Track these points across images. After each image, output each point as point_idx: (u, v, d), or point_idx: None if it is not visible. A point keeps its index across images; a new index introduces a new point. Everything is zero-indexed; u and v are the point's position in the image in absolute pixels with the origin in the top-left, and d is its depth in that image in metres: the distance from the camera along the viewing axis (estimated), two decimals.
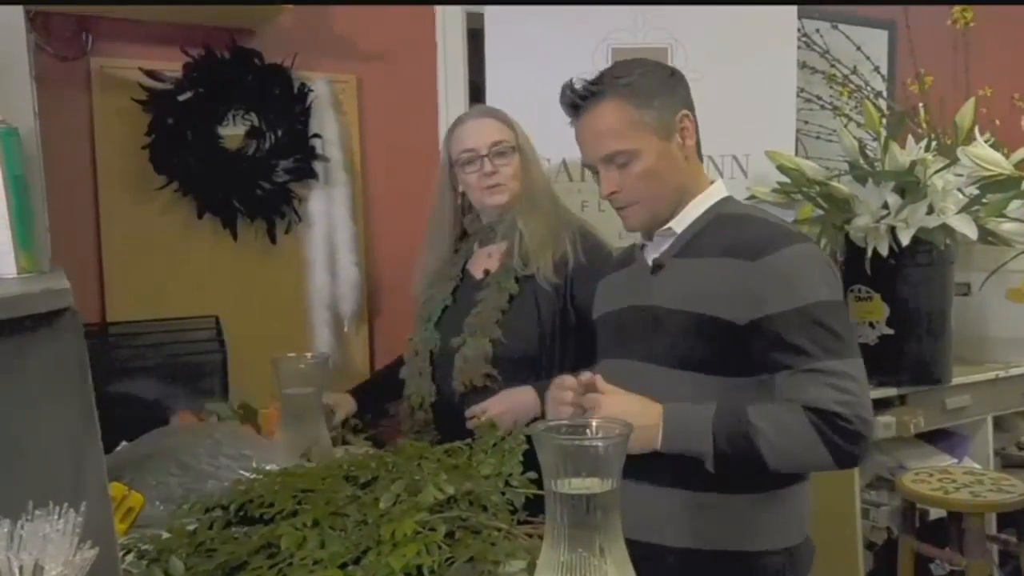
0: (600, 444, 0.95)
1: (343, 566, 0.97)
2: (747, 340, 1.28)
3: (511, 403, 1.63)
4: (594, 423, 1.00)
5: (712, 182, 1.44)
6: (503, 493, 1.24)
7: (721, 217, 1.38)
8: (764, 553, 1.31)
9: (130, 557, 1.12)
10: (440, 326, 1.77)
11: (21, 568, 0.67)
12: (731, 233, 1.34)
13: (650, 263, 1.42)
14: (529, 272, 1.71)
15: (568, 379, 1.30)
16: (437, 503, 1.15)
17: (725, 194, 1.43)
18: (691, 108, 1.41)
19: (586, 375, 1.28)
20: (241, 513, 1.22)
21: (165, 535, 1.16)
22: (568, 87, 1.39)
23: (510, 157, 1.76)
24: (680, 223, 1.39)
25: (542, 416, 1.54)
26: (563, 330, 1.70)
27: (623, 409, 1.23)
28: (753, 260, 1.28)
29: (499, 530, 1.15)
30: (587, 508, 0.92)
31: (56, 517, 0.71)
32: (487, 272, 1.76)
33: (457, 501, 1.18)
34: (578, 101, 1.38)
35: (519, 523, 1.21)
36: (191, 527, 1.19)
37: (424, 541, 0.99)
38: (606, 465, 0.93)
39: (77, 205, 1.97)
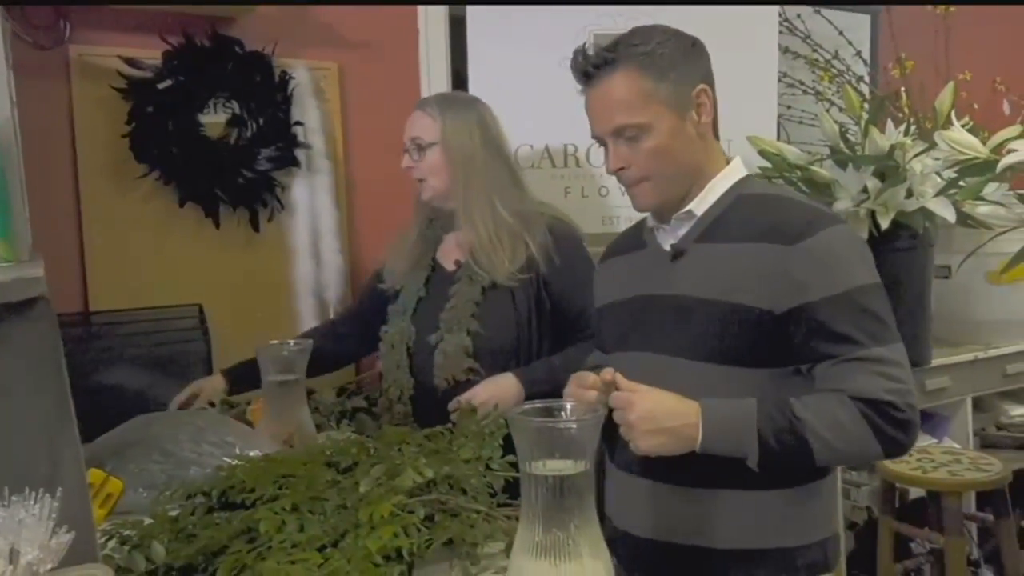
0: (573, 427, 0.97)
1: (321, 549, 0.99)
2: (785, 329, 1.20)
3: (494, 391, 1.64)
4: (568, 406, 1.01)
5: (729, 160, 1.35)
6: (483, 476, 1.26)
7: (744, 198, 1.30)
8: (801, 548, 1.26)
9: (112, 543, 1.13)
10: (415, 318, 1.77)
11: None
12: (760, 216, 1.26)
13: (667, 248, 1.33)
14: (489, 279, 1.70)
15: (589, 376, 1.21)
16: (417, 486, 1.16)
17: (744, 173, 1.34)
18: (711, 82, 1.31)
19: (608, 371, 1.19)
20: (223, 499, 1.24)
21: (147, 521, 1.17)
22: (580, 52, 1.30)
23: (426, 152, 1.73)
24: (700, 205, 1.30)
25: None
26: (539, 315, 1.71)
27: (658, 408, 1.16)
28: (791, 244, 1.20)
29: (478, 512, 1.17)
30: (561, 489, 0.93)
31: (32, 502, 0.72)
32: (458, 264, 1.76)
33: (437, 485, 1.20)
34: (590, 69, 1.28)
35: (499, 506, 1.23)
36: (173, 513, 1.20)
37: (401, 523, 1.01)
38: (579, 447, 0.95)
39: (58, 194, 1.95)
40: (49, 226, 1.84)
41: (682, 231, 1.31)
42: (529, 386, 1.64)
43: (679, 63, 1.27)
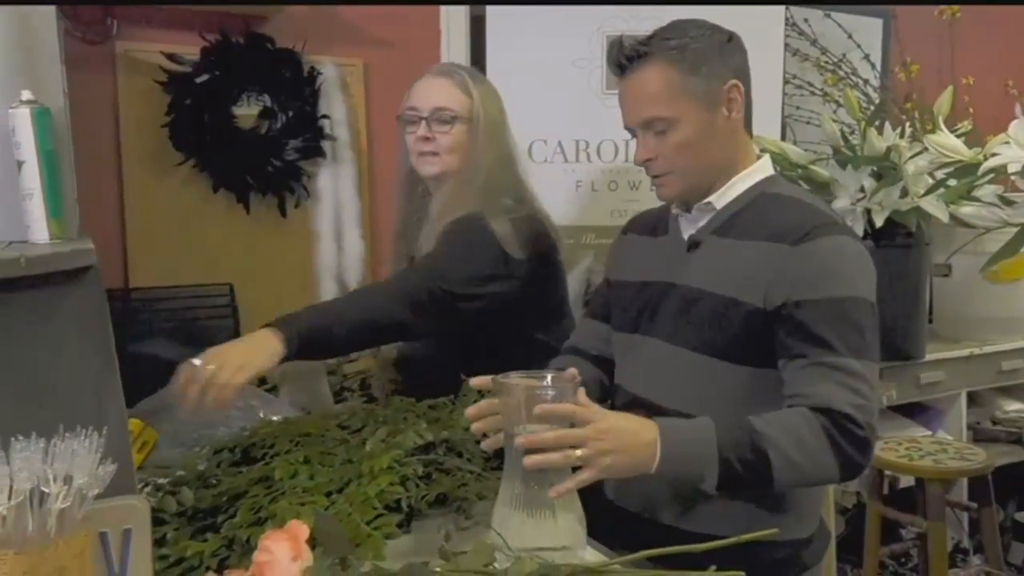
0: (551, 392, 1.09)
1: (328, 495, 1.11)
2: (772, 326, 1.19)
3: None
4: (548, 376, 1.12)
5: (760, 156, 1.34)
6: (478, 442, 1.37)
7: (765, 196, 1.29)
8: (770, 545, 1.16)
9: (147, 490, 1.26)
10: None
11: (55, 476, 0.81)
12: (774, 215, 1.25)
13: (686, 238, 1.33)
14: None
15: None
16: (417, 448, 1.28)
17: (770, 172, 1.33)
18: (744, 77, 1.29)
19: (571, 372, 1.13)
20: (246, 454, 1.36)
21: (179, 472, 1.31)
22: (616, 45, 1.28)
23: (452, 126, 1.60)
24: (721, 199, 1.30)
25: None
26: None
27: (619, 424, 1.09)
28: (793, 245, 1.19)
29: (471, 472, 1.28)
30: (539, 449, 1.04)
31: (82, 438, 0.84)
32: None
33: (436, 447, 1.31)
34: (623, 61, 1.28)
35: (492, 469, 1.34)
36: (201, 466, 1.33)
37: (399, 474, 1.13)
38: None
39: (102, 179, 2.04)
40: (94, 208, 1.93)
41: (702, 222, 1.31)
42: None
43: (711, 58, 1.25)
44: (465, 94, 1.62)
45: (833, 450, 1.11)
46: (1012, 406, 2.76)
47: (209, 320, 2.02)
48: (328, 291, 2.31)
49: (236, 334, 2.02)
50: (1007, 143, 1.77)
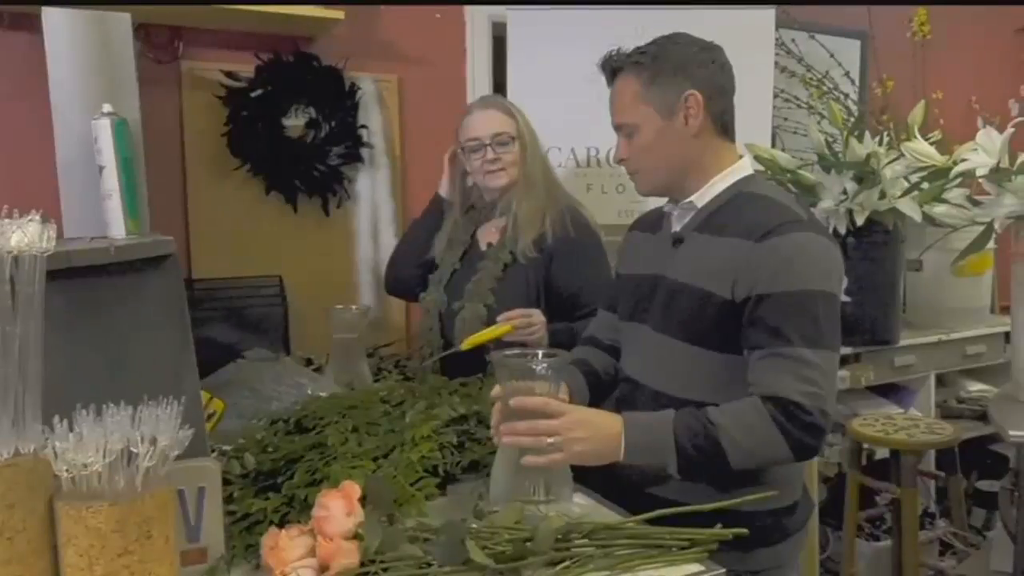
0: (543, 365, 1.10)
1: (375, 459, 1.12)
2: (739, 318, 1.17)
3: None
4: (540, 352, 1.12)
5: (741, 157, 1.31)
6: None
7: (742, 195, 1.26)
8: (757, 513, 1.17)
9: (214, 455, 1.27)
10: (448, 288, 1.81)
11: (142, 437, 0.82)
12: (747, 212, 1.22)
13: (672, 234, 1.32)
14: (517, 247, 1.71)
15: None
16: (451, 419, 1.29)
17: (749, 172, 1.30)
18: (712, 88, 1.25)
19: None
20: (298, 425, 1.37)
21: (240, 440, 1.32)
22: (605, 57, 1.32)
23: (510, 145, 1.75)
24: (701, 198, 1.28)
25: None
26: (546, 296, 1.72)
27: (586, 417, 1.12)
28: (757, 241, 1.16)
29: None
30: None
31: (164, 406, 0.86)
32: (490, 244, 1.80)
33: (467, 419, 1.32)
34: (606, 72, 1.32)
35: None
36: (259, 436, 1.35)
37: (437, 441, 1.14)
38: (546, 383, 1.09)
39: (169, 182, 2.07)
40: (162, 208, 1.93)
41: (685, 220, 1.31)
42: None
43: (669, 70, 1.24)
44: (511, 118, 1.77)
45: (783, 435, 1.10)
46: (975, 386, 2.75)
47: (261, 308, 2.03)
48: (366, 282, 2.33)
49: (285, 322, 2.03)
50: (975, 150, 1.77)
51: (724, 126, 1.29)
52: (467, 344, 1.57)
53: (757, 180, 1.31)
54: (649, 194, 1.36)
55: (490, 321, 1.68)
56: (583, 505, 1.15)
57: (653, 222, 1.43)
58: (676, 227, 1.33)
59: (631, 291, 1.38)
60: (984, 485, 2.74)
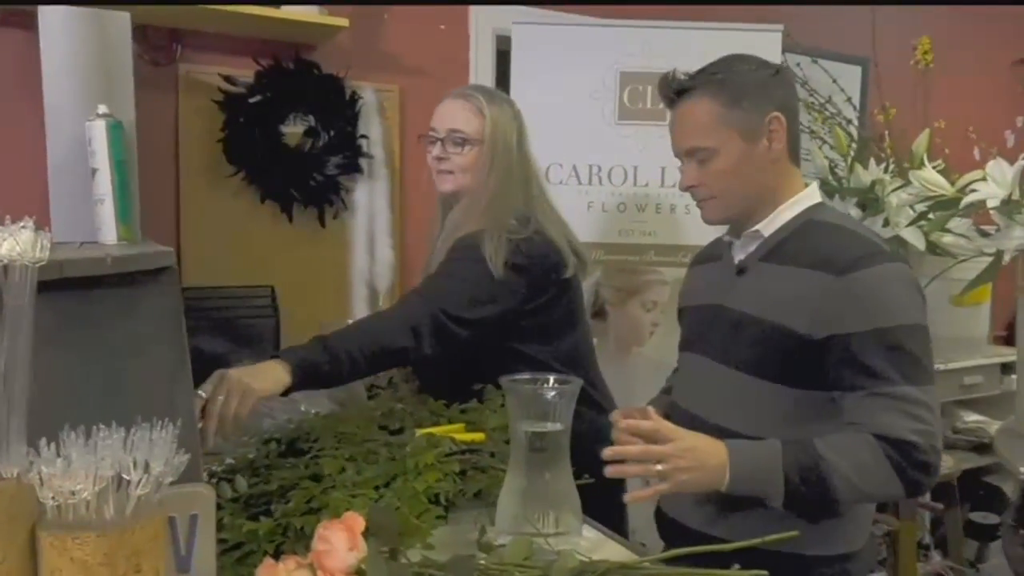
0: (553, 393, 1.05)
1: (375, 488, 1.06)
2: (821, 356, 1.12)
3: None
4: (551, 378, 1.06)
5: (807, 185, 1.26)
6: (506, 442, 1.33)
7: (811, 224, 1.21)
8: (820, 558, 1.15)
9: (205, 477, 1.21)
10: None
11: (134, 463, 0.76)
12: (819, 244, 1.17)
13: (736, 263, 1.27)
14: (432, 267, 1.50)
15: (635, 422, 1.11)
16: (453, 448, 1.24)
17: (817, 200, 1.25)
18: (787, 110, 1.21)
19: (649, 410, 1.13)
20: (291, 446, 1.31)
21: (228, 460, 1.26)
22: (665, 78, 1.25)
23: (466, 148, 1.51)
24: (768, 227, 1.23)
25: None
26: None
27: (695, 444, 1.08)
28: (838, 276, 1.11)
29: (503, 470, 1.24)
30: (541, 443, 1.02)
31: (158, 428, 0.80)
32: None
33: (478, 451, 1.27)
34: (671, 94, 1.24)
35: None
36: (251, 456, 1.29)
37: (442, 470, 1.09)
38: (556, 411, 1.03)
39: (162, 187, 2.04)
40: (154, 213, 1.90)
41: (750, 249, 1.25)
42: None
43: (752, 92, 1.19)
44: (478, 117, 1.52)
45: (898, 475, 1.07)
46: (972, 417, 2.73)
47: (252, 319, 1.98)
48: (360, 295, 2.30)
49: (276, 333, 2.00)
50: (983, 179, 1.75)
51: (796, 151, 1.26)
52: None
53: (827, 208, 1.27)
54: (719, 222, 1.30)
55: None
56: (591, 539, 1.11)
57: (714, 252, 1.38)
58: (739, 256, 1.27)
59: (689, 322, 1.35)
60: (978, 517, 2.71)
